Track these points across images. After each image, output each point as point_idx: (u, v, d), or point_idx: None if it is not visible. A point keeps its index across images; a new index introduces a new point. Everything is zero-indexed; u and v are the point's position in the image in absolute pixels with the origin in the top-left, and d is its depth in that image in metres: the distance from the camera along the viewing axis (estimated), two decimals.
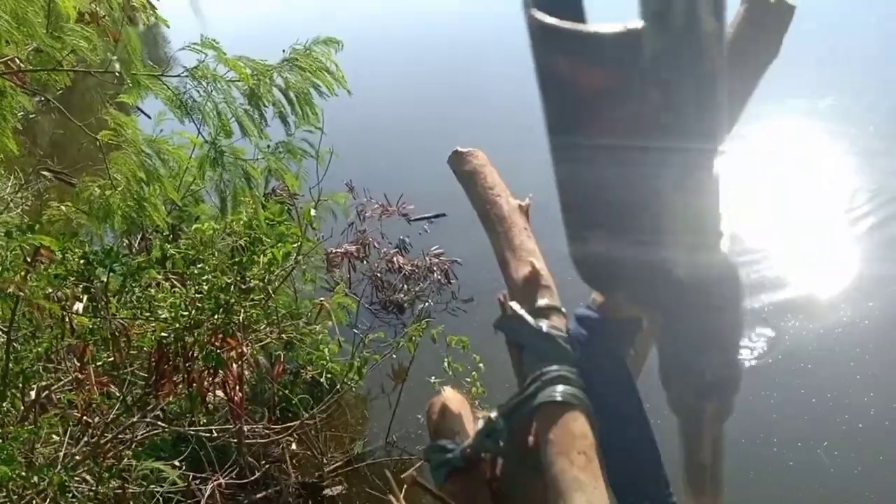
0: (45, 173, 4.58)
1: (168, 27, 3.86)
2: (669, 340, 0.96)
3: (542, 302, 1.35)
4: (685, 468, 1.18)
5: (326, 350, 3.99)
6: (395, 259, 6.22)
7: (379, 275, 6.26)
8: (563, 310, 1.38)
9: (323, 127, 4.13)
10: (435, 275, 6.22)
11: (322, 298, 4.66)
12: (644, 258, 0.77)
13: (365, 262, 6.27)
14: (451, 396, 1.60)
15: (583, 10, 0.74)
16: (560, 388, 1.20)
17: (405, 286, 6.27)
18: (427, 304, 6.20)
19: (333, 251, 5.99)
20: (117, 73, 3.29)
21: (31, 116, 4.26)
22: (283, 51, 3.59)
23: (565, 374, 1.23)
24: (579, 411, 1.18)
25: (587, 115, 0.67)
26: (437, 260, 6.28)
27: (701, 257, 0.75)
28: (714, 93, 0.59)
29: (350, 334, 4.91)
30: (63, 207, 4.01)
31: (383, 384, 5.35)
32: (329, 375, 4.03)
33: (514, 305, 1.35)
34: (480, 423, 1.38)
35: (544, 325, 1.31)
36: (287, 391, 4.44)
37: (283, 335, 3.92)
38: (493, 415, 1.34)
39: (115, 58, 3.36)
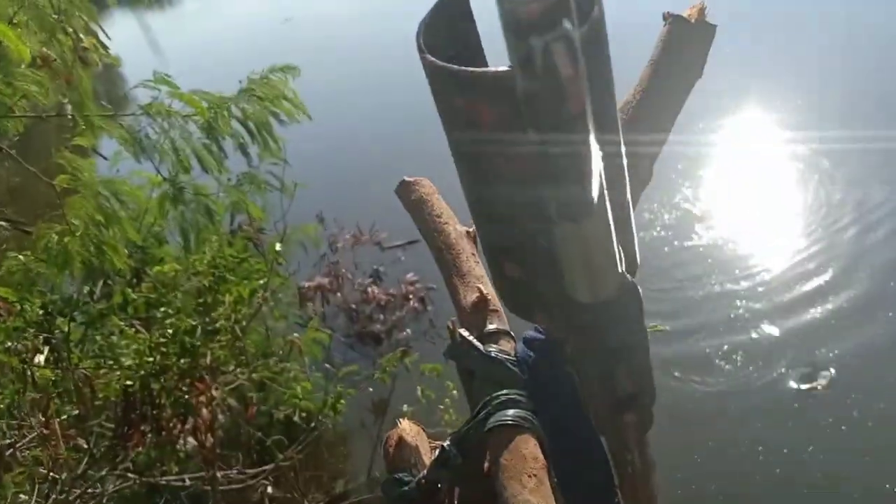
0: (1, 223, 4.46)
1: (119, 66, 3.78)
2: (582, 360, 0.97)
3: (491, 327, 1.36)
4: (619, 486, 1.19)
5: (299, 388, 3.88)
6: (369, 290, 6.14)
7: (354, 306, 6.17)
8: (512, 333, 1.39)
9: (287, 158, 4.08)
10: (411, 302, 6.14)
11: (296, 335, 4.57)
12: (547, 284, 0.77)
13: (339, 294, 6.19)
14: (406, 428, 1.59)
15: (480, 44, 0.77)
16: (510, 411, 1.18)
17: (381, 316, 6.19)
18: (405, 332, 6.11)
19: (305, 285, 5.90)
20: (70, 116, 3.20)
21: None
22: (240, 81, 3.53)
23: (514, 397, 1.21)
24: (529, 434, 1.16)
25: (482, 153, 0.68)
26: (412, 287, 6.21)
27: (598, 281, 0.75)
28: (579, 132, 0.58)
29: (326, 370, 4.82)
30: (21, 257, 3.90)
31: (363, 419, 5.25)
32: (303, 414, 3.93)
33: (463, 332, 1.35)
34: (435, 453, 1.37)
35: (493, 349, 1.30)
36: (262, 433, 4.33)
37: (254, 375, 3.82)
38: (446, 443, 1.33)
39: (66, 101, 3.27)
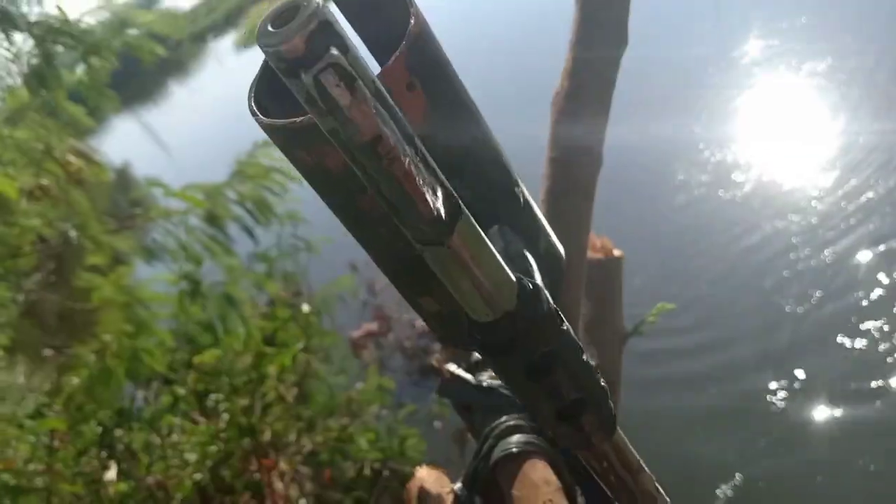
0: (48, 352, 4.59)
1: (107, 179, 3.88)
2: (513, 380, 0.92)
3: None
4: (614, 497, 1.14)
5: (363, 441, 3.89)
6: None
7: (407, 344, 6.18)
8: None
9: (302, 216, 4.13)
10: None
11: (358, 384, 4.60)
12: (454, 313, 0.74)
13: (389, 335, 6.20)
14: (426, 476, 1.55)
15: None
16: (514, 438, 1.15)
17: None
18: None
19: (355, 335, 5.93)
20: (74, 241, 3.30)
21: (31, 297, 4.30)
22: (230, 163, 3.59)
23: (515, 422, 1.18)
24: (537, 457, 1.14)
25: (347, 196, 0.67)
26: None
27: (491, 295, 0.71)
28: (384, 156, 0.57)
29: (394, 416, 4.81)
30: (75, 380, 4.00)
31: (448, 453, 5.22)
32: (376, 465, 3.93)
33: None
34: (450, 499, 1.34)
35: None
36: (344, 492, 4.34)
37: (320, 438, 3.84)
38: (457, 486, 1.30)
39: (69, 225, 3.37)
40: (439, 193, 0.61)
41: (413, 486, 1.60)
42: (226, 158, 3.91)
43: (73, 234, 3.25)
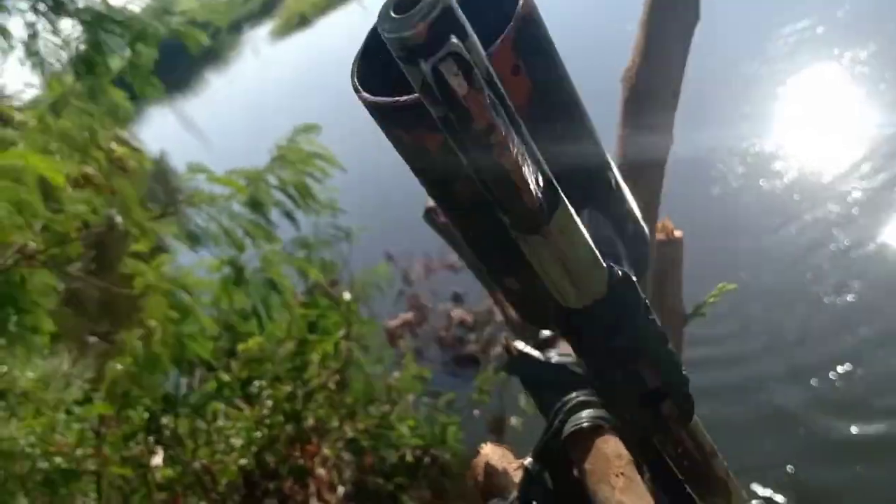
0: (91, 338, 4.64)
1: (148, 167, 3.90)
2: (595, 366, 0.90)
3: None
4: (686, 482, 1.12)
5: (404, 428, 3.89)
6: (452, 313, 6.14)
7: (442, 333, 6.18)
8: None
9: (339, 205, 4.13)
10: (497, 316, 6.11)
11: (395, 373, 4.60)
12: (540, 297, 0.73)
13: (425, 325, 6.21)
14: (491, 452, 1.55)
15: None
16: (584, 413, 1.14)
17: (472, 336, 6.18)
18: (499, 347, 6.08)
19: (391, 324, 5.94)
20: (120, 227, 3.31)
21: (73, 286, 4.35)
22: (269, 151, 3.59)
23: (585, 398, 1.17)
24: (609, 432, 1.13)
25: (444, 177, 0.68)
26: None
27: (582, 282, 0.70)
28: (495, 145, 0.55)
29: (431, 402, 4.82)
30: (119, 366, 4.04)
31: (485, 440, 5.21)
32: (417, 452, 3.93)
33: (518, 344, 1.32)
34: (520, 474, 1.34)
35: (553, 354, 1.27)
36: (387, 478, 4.35)
37: (360, 425, 3.85)
38: (528, 461, 1.30)
39: (114, 211, 3.38)
40: (541, 182, 0.60)
41: (479, 463, 1.61)
42: (260, 149, 3.93)
43: (118, 220, 3.27)
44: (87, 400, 3.32)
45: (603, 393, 0.98)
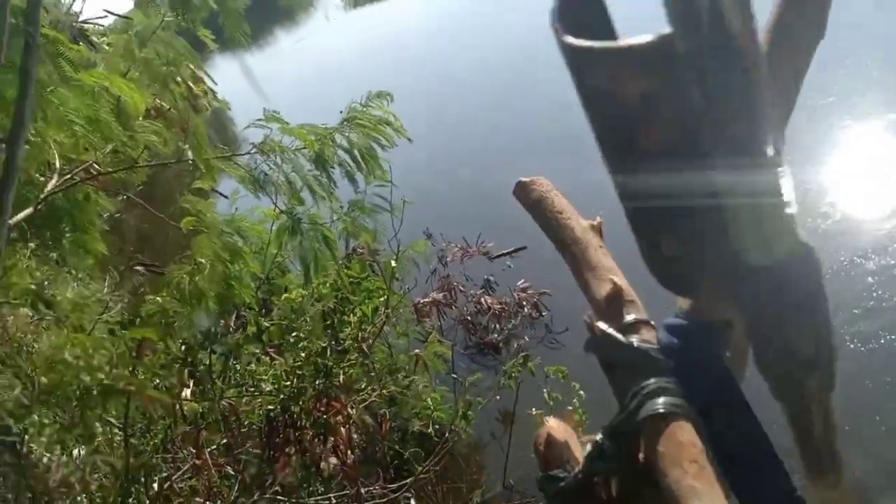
0: (137, 268, 4.73)
1: (229, 109, 3.96)
2: (759, 327, 0.94)
3: (630, 317, 1.35)
4: (801, 454, 1.16)
5: (429, 400, 3.96)
6: (482, 300, 6.18)
7: (469, 318, 6.23)
8: (652, 322, 1.37)
9: (392, 179, 4.18)
10: (525, 309, 6.15)
11: (417, 350, 4.65)
12: (719, 255, 0.76)
13: (453, 307, 6.25)
14: (554, 426, 1.61)
15: (610, 23, 0.75)
16: (661, 399, 1.18)
17: (497, 325, 6.22)
18: (522, 340, 6.12)
19: (421, 301, 5.99)
20: (190, 161, 3.38)
21: (117, 216, 4.44)
22: (341, 111, 3.64)
23: (664, 385, 1.21)
24: (684, 420, 1.16)
25: (636, 126, 0.68)
26: (525, 294, 6.22)
27: (774, 243, 0.73)
28: (753, 85, 0.58)
29: (451, 383, 4.86)
30: (158, 299, 4.11)
31: (492, 430, 5.27)
32: (436, 426, 3.99)
33: (602, 325, 1.35)
34: (588, 448, 1.38)
35: (635, 339, 1.30)
36: (397, 448, 4.42)
37: (385, 391, 3.91)
38: (599, 437, 1.34)
39: (185, 146, 3.45)
40: (773, 134, 0.63)
41: (543, 434, 1.67)
42: (316, 112, 3.97)
43: (189, 154, 3.34)
44: (130, 323, 3.39)
45: (759, 357, 1.01)
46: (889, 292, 5.34)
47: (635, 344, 1.33)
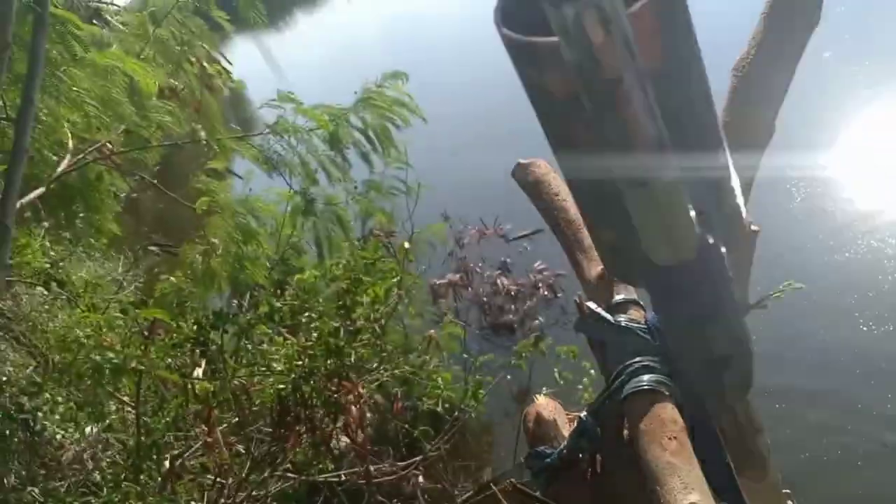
0: (152, 248, 4.76)
1: (245, 89, 3.97)
2: (670, 326, 0.96)
3: (619, 297, 1.41)
4: (727, 446, 1.17)
5: (440, 379, 3.97)
6: (499, 281, 6.19)
7: (485, 299, 6.24)
8: (641, 302, 1.41)
9: (410, 160, 4.18)
10: (541, 291, 6.15)
11: (432, 331, 4.66)
12: (635, 249, 0.78)
13: (469, 288, 6.26)
14: (543, 404, 1.65)
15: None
16: (645, 377, 1.23)
17: (513, 306, 6.22)
18: (537, 321, 6.12)
19: (437, 282, 6.00)
20: (204, 142, 3.39)
21: (132, 196, 4.47)
22: (355, 92, 3.64)
23: (649, 363, 1.25)
24: (666, 398, 1.20)
25: (564, 122, 0.73)
26: (541, 276, 6.22)
27: (675, 242, 0.74)
28: (621, 97, 0.59)
29: (464, 363, 4.88)
30: (172, 279, 4.14)
31: (506, 408, 5.29)
32: (447, 406, 4.01)
33: (591, 304, 1.40)
34: (573, 425, 1.42)
35: (623, 319, 1.35)
36: (409, 427, 4.44)
37: (397, 371, 3.92)
38: (584, 414, 1.38)
39: (199, 127, 3.46)
40: (656, 140, 0.64)
41: (532, 412, 1.71)
42: (333, 95, 3.97)
43: (202, 135, 3.35)
44: (142, 303, 3.42)
45: (673, 352, 1.04)
46: None
47: (623, 323, 1.36)
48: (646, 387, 1.24)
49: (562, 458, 1.42)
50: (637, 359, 1.30)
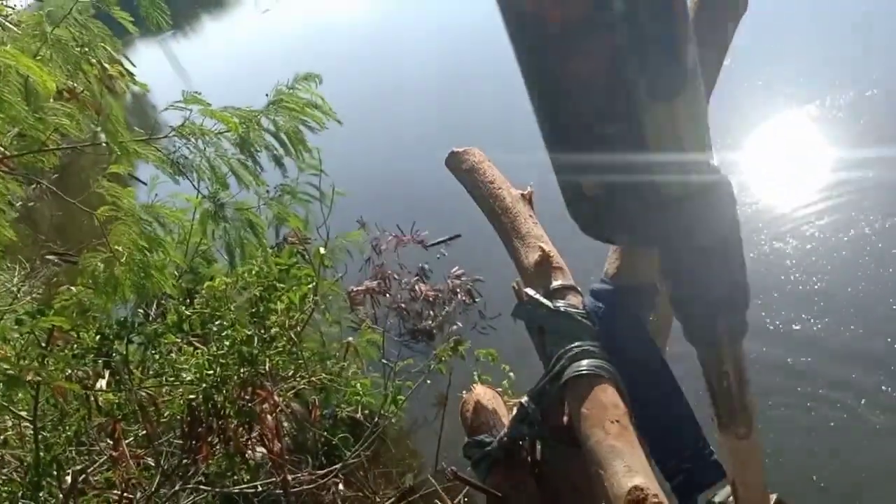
0: (50, 257, 4.57)
1: (148, 91, 3.84)
2: (673, 266, 0.92)
3: (557, 283, 1.40)
4: (712, 401, 1.16)
5: (358, 385, 3.92)
6: (416, 287, 6.16)
7: (403, 305, 6.20)
8: (579, 288, 1.40)
9: (322, 167, 4.11)
10: (459, 296, 6.15)
11: (350, 338, 4.60)
12: (635, 188, 0.72)
13: (387, 295, 6.22)
14: (482, 392, 1.64)
15: None
16: (585, 362, 1.23)
17: (431, 312, 6.20)
18: (456, 325, 6.11)
19: (354, 290, 5.94)
20: (104, 145, 3.26)
21: (29, 204, 4.27)
22: (267, 94, 3.56)
23: (588, 348, 1.25)
24: (607, 382, 1.20)
25: (558, 55, 0.65)
26: (458, 281, 6.22)
27: (691, 174, 0.70)
28: (671, 11, 0.56)
29: (383, 370, 4.84)
30: (73, 289, 3.97)
31: (425, 414, 5.27)
32: (367, 412, 3.96)
33: (529, 291, 1.39)
34: (514, 412, 1.41)
35: (561, 304, 1.34)
36: (328, 434, 4.37)
37: (314, 379, 3.85)
38: (524, 400, 1.37)
39: (99, 130, 3.33)
40: (690, 49, 0.60)
41: (470, 400, 1.68)
42: (250, 98, 3.88)
43: (102, 137, 3.22)
44: (40, 313, 3.26)
45: (673, 296, 0.99)
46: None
47: (561, 308, 1.35)
48: (585, 371, 1.23)
49: (502, 446, 1.40)
50: (576, 343, 1.30)
